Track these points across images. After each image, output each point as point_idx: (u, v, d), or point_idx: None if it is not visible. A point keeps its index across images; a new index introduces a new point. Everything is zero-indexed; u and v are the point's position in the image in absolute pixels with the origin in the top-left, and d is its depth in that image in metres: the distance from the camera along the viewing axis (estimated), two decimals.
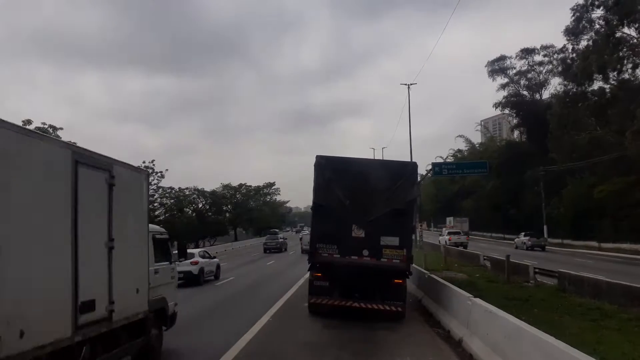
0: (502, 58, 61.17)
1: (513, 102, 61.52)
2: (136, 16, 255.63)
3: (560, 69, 51.29)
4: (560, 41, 51.62)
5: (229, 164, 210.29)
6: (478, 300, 7.92)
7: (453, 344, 8.16)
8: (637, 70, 38.31)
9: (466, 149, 79.19)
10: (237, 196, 79.35)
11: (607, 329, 8.95)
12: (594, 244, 38.65)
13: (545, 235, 45.45)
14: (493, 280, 17.26)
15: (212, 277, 20.46)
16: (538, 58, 58.81)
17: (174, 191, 59.81)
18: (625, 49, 37.16)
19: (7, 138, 3.92)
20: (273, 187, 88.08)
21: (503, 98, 61.61)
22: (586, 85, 40.94)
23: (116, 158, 5.89)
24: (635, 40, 36.94)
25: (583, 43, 42.57)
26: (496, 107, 63.68)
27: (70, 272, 4.72)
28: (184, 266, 17.14)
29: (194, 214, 64.87)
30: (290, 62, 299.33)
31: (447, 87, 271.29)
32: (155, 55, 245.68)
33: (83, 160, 5.04)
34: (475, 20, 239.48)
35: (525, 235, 40.77)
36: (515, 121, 65.90)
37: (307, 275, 12.35)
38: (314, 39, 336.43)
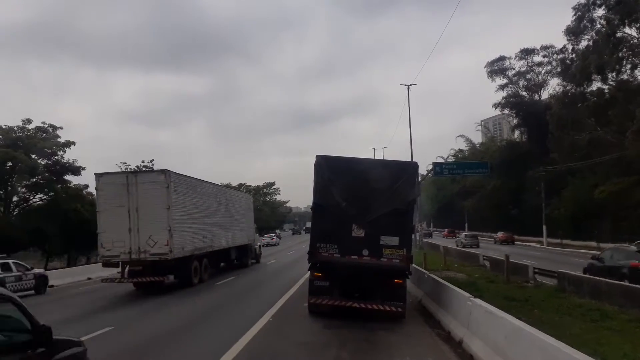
0: (502, 59, 61.21)
1: (512, 103, 61.55)
2: (138, 13, 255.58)
3: (559, 69, 51.25)
4: (560, 42, 51.66)
5: (228, 163, 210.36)
6: (478, 301, 7.89)
7: (453, 345, 8.14)
8: (636, 71, 38.30)
9: (467, 148, 79.39)
10: None
11: (608, 330, 8.92)
12: (594, 244, 38.62)
13: (545, 235, 45.46)
14: (493, 280, 17.24)
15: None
16: (537, 58, 58.96)
17: None
18: (624, 49, 37.12)
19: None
20: (273, 187, 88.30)
21: (502, 98, 61.73)
22: (585, 85, 40.93)
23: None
24: (635, 41, 36.88)
25: (583, 43, 42.55)
26: (495, 108, 63.81)
27: None
28: None
29: None
30: (291, 61, 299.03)
31: (449, 87, 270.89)
32: (155, 53, 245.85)
33: None
34: (477, 19, 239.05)
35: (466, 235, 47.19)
36: (515, 121, 65.89)
37: (307, 275, 12.35)
38: (316, 38, 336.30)
